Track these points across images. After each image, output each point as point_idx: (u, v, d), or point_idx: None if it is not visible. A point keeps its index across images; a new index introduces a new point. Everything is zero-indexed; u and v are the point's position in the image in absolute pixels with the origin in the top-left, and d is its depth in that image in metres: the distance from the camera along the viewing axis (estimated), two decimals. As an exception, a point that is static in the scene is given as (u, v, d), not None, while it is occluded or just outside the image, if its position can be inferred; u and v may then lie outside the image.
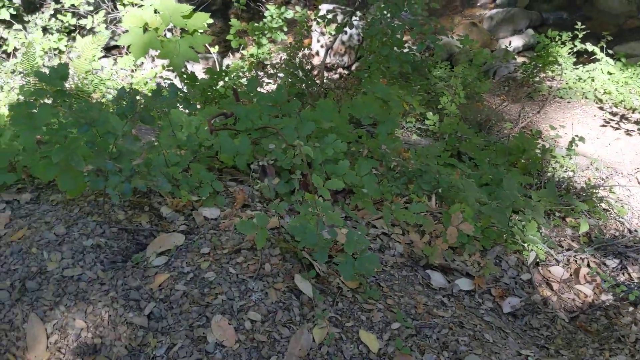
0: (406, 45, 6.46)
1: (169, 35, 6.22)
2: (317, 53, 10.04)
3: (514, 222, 3.56)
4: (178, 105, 3.01)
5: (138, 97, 2.52)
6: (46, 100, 3.22)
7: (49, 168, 2.80)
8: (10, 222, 2.87)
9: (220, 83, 6.29)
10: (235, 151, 3.42)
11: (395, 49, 6.50)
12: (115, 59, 7.48)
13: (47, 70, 5.87)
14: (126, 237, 2.86)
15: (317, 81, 7.46)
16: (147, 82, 6.61)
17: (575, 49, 7.83)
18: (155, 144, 2.74)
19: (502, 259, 3.34)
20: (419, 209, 3.26)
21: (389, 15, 6.68)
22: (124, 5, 7.60)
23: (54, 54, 6.65)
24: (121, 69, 6.96)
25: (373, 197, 3.41)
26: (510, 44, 8.94)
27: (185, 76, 5.58)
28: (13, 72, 6.16)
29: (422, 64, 7.25)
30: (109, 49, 8.81)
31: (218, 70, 8.54)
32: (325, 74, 9.83)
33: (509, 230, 3.40)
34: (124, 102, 2.55)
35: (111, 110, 5.02)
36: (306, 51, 8.78)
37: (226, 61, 9.29)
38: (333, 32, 8.66)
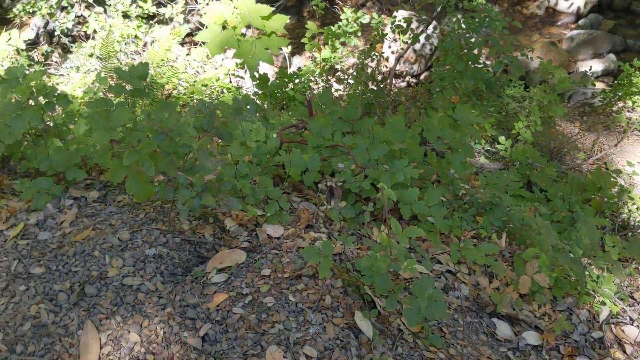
0: (481, 61, 6.21)
1: (248, 33, 6.15)
2: (387, 59, 9.83)
3: (589, 272, 3.32)
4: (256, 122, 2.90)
5: (217, 112, 2.42)
6: (122, 99, 3.18)
7: (120, 170, 2.74)
8: (76, 220, 2.84)
9: (290, 85, 6.20)
10: (305, 167, 3.31)
11: (470, 64, 6.27)
12: (189, 49, 7.49)
13: (124, 56, 5.91)
14: (188, 248, 2.78)
15: (386, 86, 7.28)
16: (218, 78, 6.58)
17: (660, 82, 7.37)
18: (230, 162, 2.64)
19: (573, 312, 3.10)
20: (490, 250, 3.06)
21: (468, 30, 6.45)
22: (204, -3, 7.60)
23: (132, 41, 6.70)
24: (194, 60, 6.97)
25: (441, 231, 3.23)
26: (590, 69, 8.51)
27: (257, 76, 5.51)
28: (91, 55, 6.23)
29: (497, 82, 6.97)
30: (184, 38, 8.87)
31: (288, 68, 8.47)
32: (394, 80, 9.64)
33: (584, 282, 3.16)
34: (203, 115, 2.46)
35: (184, 114, 5.02)
36: (377, 55, 8.59)
37: (296, 60, 9.20)
38: (406, 40, 8.45)
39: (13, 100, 2.81)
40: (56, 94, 2.89)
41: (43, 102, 2.88)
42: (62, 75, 6.46)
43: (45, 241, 2.70)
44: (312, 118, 3.56)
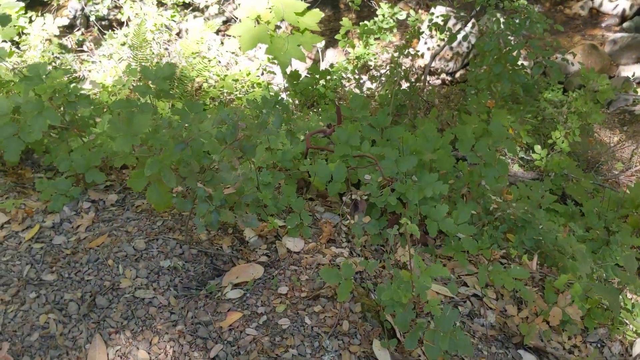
0: (519, 64, 5.95)
1: (282, 27, 6.02)
2: (423, 55, 9.58)
3: (623, 298, 3.12)
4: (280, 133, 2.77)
5: (240, 124, 2.29)
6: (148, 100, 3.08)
7: (141, 178, 2.64)
8: (92, 225, 2.75)
9: (322, 82, 6.04)
10: (330, 177, 3.17)
11: (509, 66, 6.03)
12: (223, 38, 7.38)
13: (156, 46, 5.81)
14: (205, 260, 2.67)
15: (419, 84, 7.06)
16: (249, 73, 6.45)
17: None
18: (251, 176, 2.51)
19: (605, 345, 2.92)
20: (520, 275, 2.89)
21: (507, 32, 6.19)
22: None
23: (165, 29, 6.61)
24: (227, 51, 6.85)
25: (469, 252, 3.07)
26: (633, 74, 8.14)
27: (288, 73, 5.37)
28: (123, 44, 6.17)
29: (535, 85, 6.69)
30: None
31: (321, 62, 8.30)
32: (428, 78, 9.39)
33: (618, 313, 2.97)
34: (226, 127, 2.33)
35: (210, 110, 4.91)
36: (411, 51, 8.36)
37: (330, 53, 9.02)
38: (443, 38, 8.19)
39: (34, 99, 2.72)
40: (78, 94, 2.80)
41: (63, 104, 2.79)
42: (94, 62, 6.42)
43: (59, 246, 2.62)
44: (340, 126, 3.41)
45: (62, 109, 2.84)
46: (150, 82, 3.05)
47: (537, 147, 5.35)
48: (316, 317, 2.42)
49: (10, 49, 5.71)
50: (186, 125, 2.70)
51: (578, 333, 2.89)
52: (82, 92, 2.96)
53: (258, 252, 2.78)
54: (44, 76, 2.77)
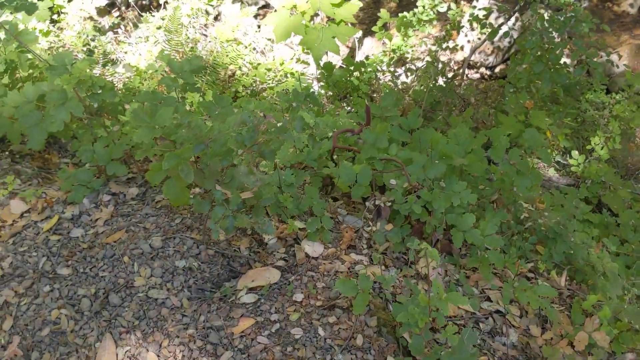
0: (561, 62, 5.71)
1: (317, 19, 5.89)
2: (462, 47, 9.33)
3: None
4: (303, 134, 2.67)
5: (262, 127, 2.20)
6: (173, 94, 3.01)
7: (159, 171, 2.58)
8: (111, 219, 2.71)
9: (356, 73, 5.90)
10: (354, 180, 3.06)
11: (550, 64, 5.80)
12: (259, 25, 7.28)
13: (192, 30, 5.74)
14: (221, 262, 2.61)
15: (457, 79, 6.85)
16: (283, 62, 6.35)
17: None
18: (269, 182, 2.42)
19: (633, 371, 2.77)
20: (547, 293, 2.75)
21: (551, 29, 5.95)
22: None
23: (202, 14, 6.54)
24: (263, 37, 6.75)
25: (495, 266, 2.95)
26: (682, 78, 7.75)
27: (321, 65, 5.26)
28: (159, 28, 6.13)
29: (576, 86, 6.42)
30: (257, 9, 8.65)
31: (357, 51, 8.14)
32: (466, 71, 9.14)
33: (649, 339, 2.81)
34: (247, 129, 2.25)
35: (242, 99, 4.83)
36: (450, 44, 8.13)
37: (367, 42, 8.84)
38: (484, 31, 7.94)
39: (58, 89, 2.68)
40: (102, 85, 2.74)
41: (87, 95, 2.74)
42: (130, 44, 6.40)
43: (76, 239, 2.59)
44: (368, 128, 3.30)
45: (87, 99, 2.80)
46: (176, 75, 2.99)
47: (575, 153, 5.13)
48: (330, 329, 2.34)
49: (48, 27, 5.73)
50: (207, 122, 2.64)
51: (604, 357, 2.75)
52: (109, 79, 2.92)
53: (276, 255, 2.71)
54: (69, 66, 2.73)
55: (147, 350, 2.21)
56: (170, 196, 2.61)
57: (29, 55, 3.29)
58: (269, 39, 6.73)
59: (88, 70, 2.71)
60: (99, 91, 2.74)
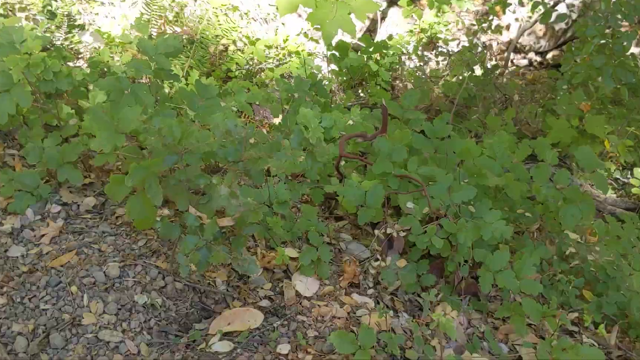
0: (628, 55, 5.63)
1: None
2: (508, 27, 9.23)
3: None
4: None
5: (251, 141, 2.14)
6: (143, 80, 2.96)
7: (121, 186, 2.52)
8: (59, 237, 2.67)
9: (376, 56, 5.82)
10: (362, 201, 3.00)
11: (614, 57, 5.71)
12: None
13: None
14: (191, 298, 2.56)
15: (500, 67, 6.76)
16: (287, 39, 6.24)
17: None
18: (254, 208, 2.36)
19: None
20: (592, 356, 2.68)
21: (618, 14, 5.85)
22: None
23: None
24: (269, 4, 6.66)
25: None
26: None
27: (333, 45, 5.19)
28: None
29: (646, 85, 6.33)
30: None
31: (379, 28, 8.05)
32: (512, 55, 9.05)
33: None
34: (231, 141, 2.19)
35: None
36: (494, 23, 8.04)
37: (393, 14, 8.72)
38: (536, 10, 7.84)
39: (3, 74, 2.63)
40: (57, 71, 2.69)
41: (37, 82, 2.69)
42: (102, 3, 6.32)
43: (15, 260, 2.55)
44: (384, 135, 3.23)
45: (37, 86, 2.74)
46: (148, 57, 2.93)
47: (638, 171, 5.06)
48: (320, 394, 2.29)
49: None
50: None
51: None
52: (74, 48, 2.85)
53: (260, 292, 2.66)
54: (18, 44, 2.67)
55: (92, 408, 2.17)
56: (135, 216, 2.56)
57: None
58: (273, 5, 6.65)
59: (40, 51, 2.65)
60: (52, 77, 2.68)
